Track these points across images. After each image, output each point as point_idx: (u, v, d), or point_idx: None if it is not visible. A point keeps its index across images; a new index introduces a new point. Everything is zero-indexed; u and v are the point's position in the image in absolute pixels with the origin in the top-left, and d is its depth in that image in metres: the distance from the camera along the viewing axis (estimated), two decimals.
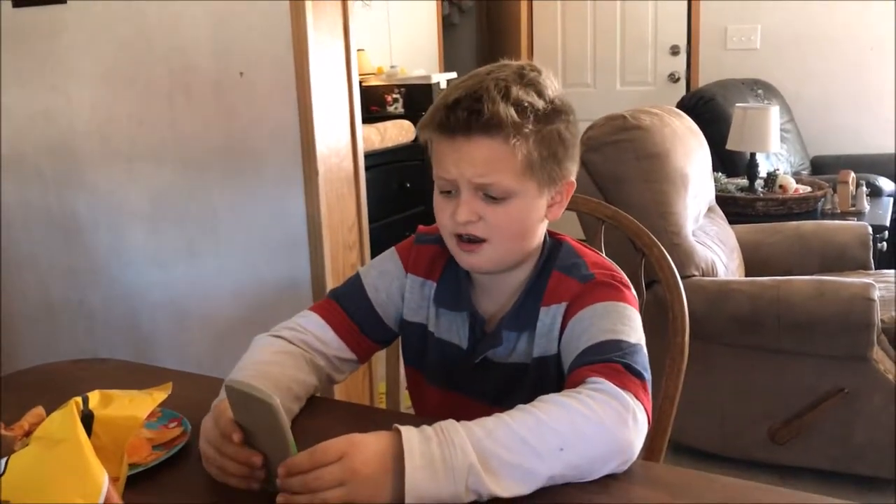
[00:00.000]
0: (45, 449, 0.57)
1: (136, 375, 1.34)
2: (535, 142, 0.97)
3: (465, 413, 0.86)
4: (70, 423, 0.57)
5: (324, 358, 1.10)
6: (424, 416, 1.19)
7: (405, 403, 1.46)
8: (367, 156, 2.45)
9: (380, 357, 1.39)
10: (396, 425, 0.83)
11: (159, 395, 0.67)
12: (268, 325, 1.13)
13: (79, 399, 0.62)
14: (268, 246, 2.12)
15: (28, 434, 0.82)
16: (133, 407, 0.64)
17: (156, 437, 0.98)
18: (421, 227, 1.18)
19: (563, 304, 1.02)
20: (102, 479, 0.57)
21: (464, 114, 0.95)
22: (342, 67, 2.09)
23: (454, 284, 1.10)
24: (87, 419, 0.61)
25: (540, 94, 0.99)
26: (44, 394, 1.10)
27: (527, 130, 0.96)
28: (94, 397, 0.64)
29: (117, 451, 0.62)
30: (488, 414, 0.86)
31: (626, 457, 0.87)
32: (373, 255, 1.22)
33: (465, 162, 0.97)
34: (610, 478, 0.86)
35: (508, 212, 0.99)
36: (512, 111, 0.95)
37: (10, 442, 0.88)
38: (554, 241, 1.10)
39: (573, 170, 1.05)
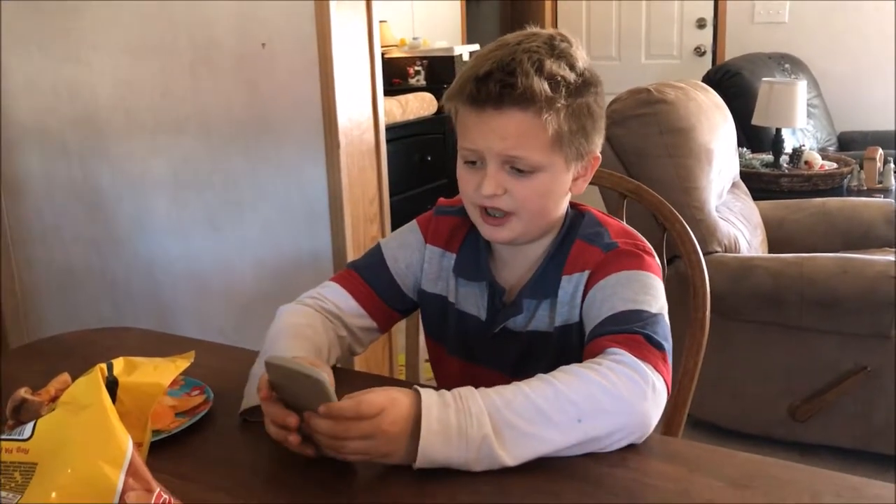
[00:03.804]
0: (71, 414, 0.58)
1: (159, 344, 1.36)
2: (566, 116, 0.96)
3: (486, 385, 0.87)
4: (95, 389, 0.58)
5: (345, 328, 1.11)
6: (445, 387, 1.19)
7: (425, 375, 1.47)
8: (389, 128, 2.45)
9: (400, 329, 1.40)
10: (417, 387, 0.84)
11: (182, 363, 0.68)
12: (289, 297, 1.14)
13: (103, 366, 0.63)
14: (289, 218, 2.13)
15: (54, 399, 0.83)
16: (157, 374, 0.65)
17: (179, 405, 0.99)
18: (441, 199, 1.18)
19: (586, 273, 1.02)
20: (127, 444, 0.58)
21: (496, 87, 0.94)
22: (364, 39, 2.08)
23: (474, 255, 1.10)
24: (112, 385, 0.62)
25: (572, 67, 0.97)
26: (69, 361, 1.12)
27: (559, 105, 0.95)
28: (119, 364, 0.65)
29: (141, 417, 0.63)
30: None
31: (644, 429, 0.87)
32: (394, 229, 1.23)
33: (494, 134, 0.96)
34: (628, 451, 0.87)
35: (534, 186, 0.99)
36: (545, 85, 0.94)
37: (37, 407, 0.90)
38: (576, 212, 1.09)
39: (599, 143, 1.04)
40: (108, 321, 2.35)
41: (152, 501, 0.58)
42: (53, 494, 0.54)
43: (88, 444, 0.57)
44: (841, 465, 2.23)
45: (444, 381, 1.18)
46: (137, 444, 0.65)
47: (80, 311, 2.47)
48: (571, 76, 0.96)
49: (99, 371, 0.61)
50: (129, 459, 0.57)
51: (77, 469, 0.55)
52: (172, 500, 0.60)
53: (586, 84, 0.98)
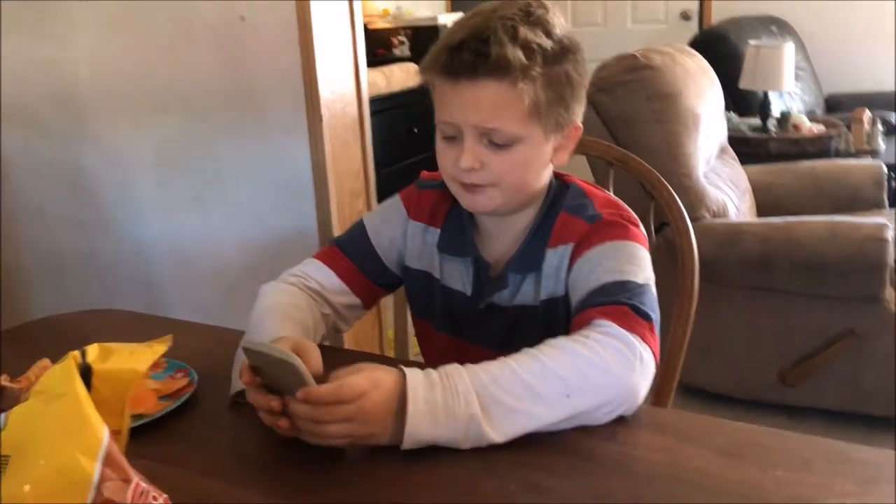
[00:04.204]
0: (44, 404, 0.57)
1: (145, 326, 1.35)
2: (543, 85, 0.94)
3: (473, 361, 0.86)
4: (69, 378, 0.56)
5: (329, 306, 1.09)
6: (432, 364, 1.19)
7: (414, 350, 1.46)
8: (373, 100, 2.42)
9: (388, 305, 1.39)
10: (402, 367, 0.83)
11: (159, 348, 0.66)
12: (276, 273, 1.13)
13: (77, 353, 0.62)
14: (274, 194, 2.11)
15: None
16: (133, 360, 0.63)
17: (162, 388, 0.98)
18: (424, 172, 1.16)
19: (571, 245, 1.00)
20: (102, 433, 0.56)
21: (469, 56, 0.92)
22: (345, 9, 2.04)
23: (458, 230, 1.09)
24: (86, 373, 0.61)
25: (548, 34, 0.95)
26: (52, 345, 1.10)
27: (534, 73, 0.93)
28: (93, 351, 0.63)
29: (118, 404, 0.62)
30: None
31: (633, 401, 0.86)
32: (380, 203, 1.21)
33: (469, 106, 0.94)
34: (617, 424, 0.86)
35: (513, 159, 0.97)
36: (520, 53, 0.92)
37: (16, 394, 0.88)
38: (560, 183, 1.07)
39: (580, 112, 1.02)
40: (97, 302, 2.32)
41: (130, 492, 0.56)
42: (27, 487, 0.53)
43: (62, 434, 0.55)
44: (830, 427, 2.24)
45: (432, 358, 1.17)
46: (115, 432, 0.63)
47: (68, 293, 2.44)
48: (548, 43, 0.94)
49: (72, 359, 0.60)
50: (104, 449, 0.56)
51: (51, 461, 0.54)
52: (152, 490, 0.59)
53: (564, 51, 0.96)
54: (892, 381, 2.17)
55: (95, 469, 0.55)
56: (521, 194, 1.02)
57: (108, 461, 0.56)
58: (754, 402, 2.36)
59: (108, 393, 0.62)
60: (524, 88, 0.93)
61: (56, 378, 0.57)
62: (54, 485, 0.54)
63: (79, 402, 0.56)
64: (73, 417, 0.56)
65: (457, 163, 0.97)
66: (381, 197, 1.19)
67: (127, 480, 0.57)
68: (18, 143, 2.38)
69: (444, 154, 1.00)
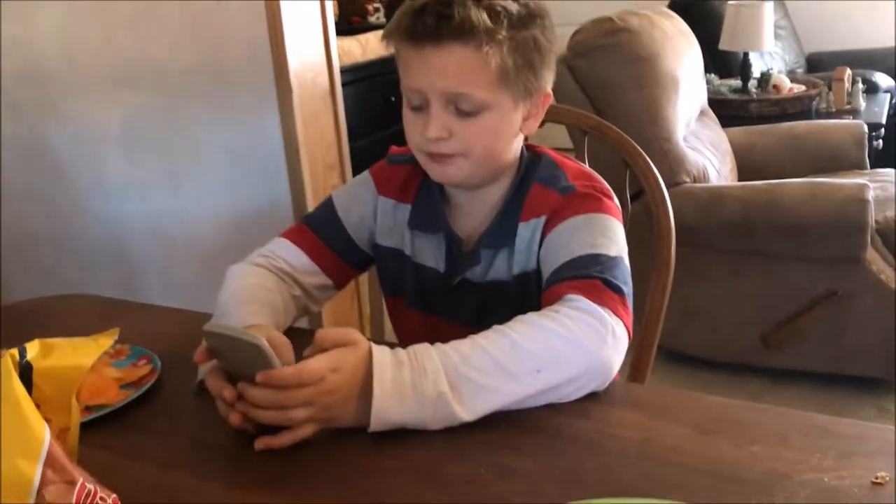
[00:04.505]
0: None
1: (111, 311, 1.31)
2: (510, 49, 0.91)
3: (446, 338, 0.83)
4: (5, 378, 0.54)
5: (299, 287, 1.06)
6: (405, 342, 1.16)
7: (389, 327, 1.44)
8: (349, 70, 2.37)
9: (366, 280, 1.36)
10: (372, 344, 0.81)
11: (105, 342, 0.63)
12: (252, 248, 1.09)
13: (14, 351, 0.59)
14: (247, 168, 2.06)
15: None
16: (77, 356, 0.60)
17: (124, 377, 0.95)
18: (394, 147, 1.13)
19: (543, 218, 0.98)
20: (43, 435, 0.53)
21: (432, 20, 0.89)
22: None
23: (429, 206, 1.06)
24: (27, 371, 0.58)
25: None
26: (18, 334, 1.06)
27: (500, 37, 0.90)
28: (33, 348, 0.60)
29: (64, 402, 0.59)
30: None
31: (606, 376, 0.85)
32: (356, 175, 1.18)
33: (434, 72, 0.91)
34: (590, 401, 0.84)
35: (481, 126, 0.94)
36: (484, 16, 0.89)
37: None
38: (532, 154, 1.05)
39: (550, 79, 0.99)
40: (72, 281, 2.29)
41: (74, 494, 0.54)
42: None
43: (2, 440, 0.52)
44: (814, 389, 2.25)
45: (404, 336, 1.15)
46: (64, 430, 0.61)
47: (43, 274, 2.40)
48: (513, 7, 0.91)
49: (9, 357, 0.57)
50: (46, 451, 0.53)
51: None
52: (100, 490, 0.56)
53: (531, 16, 0.93)
54: (875, 342, 2.17)
55: (36, 473, 0.52)
56: (490, 164, 0.99)
57: (50, 463, 0.53)
58: (738, 366, 2.36)
59: (51, 391, 0.59)
60: (490, 52, 0.90)
61: None
62: None
63: (17, 403, 0.53)
64: (11, 420, 0.53)
65: (424, 132, 0.94)
66: (358, 169, 1.16)
67: (71, 482, 0.54)
68: None
69: (412, 124, 0.97)
